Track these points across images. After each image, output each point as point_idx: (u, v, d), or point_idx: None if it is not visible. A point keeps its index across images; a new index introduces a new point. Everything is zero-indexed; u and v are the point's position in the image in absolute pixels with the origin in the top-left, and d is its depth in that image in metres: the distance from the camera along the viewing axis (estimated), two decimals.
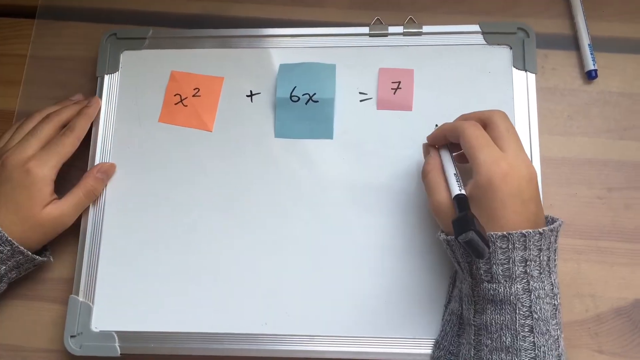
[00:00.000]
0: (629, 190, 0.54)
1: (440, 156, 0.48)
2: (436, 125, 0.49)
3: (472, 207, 0.42)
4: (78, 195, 0.52)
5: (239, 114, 0.57)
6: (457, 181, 0.45)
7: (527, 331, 0.40)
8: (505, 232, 0.41)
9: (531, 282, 0.41)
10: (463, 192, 0.43)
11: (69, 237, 0.55)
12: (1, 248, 0.48)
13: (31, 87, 0.61)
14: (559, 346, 0.41)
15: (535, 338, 0.40)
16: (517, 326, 0.40)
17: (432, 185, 0.46)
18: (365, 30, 0.58)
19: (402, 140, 0.55)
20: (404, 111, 0.56)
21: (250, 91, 0.57)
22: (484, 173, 0.42)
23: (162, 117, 0.57)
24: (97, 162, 0.56)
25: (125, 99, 0.58)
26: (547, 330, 0.40)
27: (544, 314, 0.41)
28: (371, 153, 0.55)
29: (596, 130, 0.56)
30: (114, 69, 0.59)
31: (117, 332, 0.51)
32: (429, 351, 0.49)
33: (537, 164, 0.53)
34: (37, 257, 0.51)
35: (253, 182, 0.55)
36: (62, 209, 0.51)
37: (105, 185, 0.55)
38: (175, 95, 0.58)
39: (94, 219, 0.55)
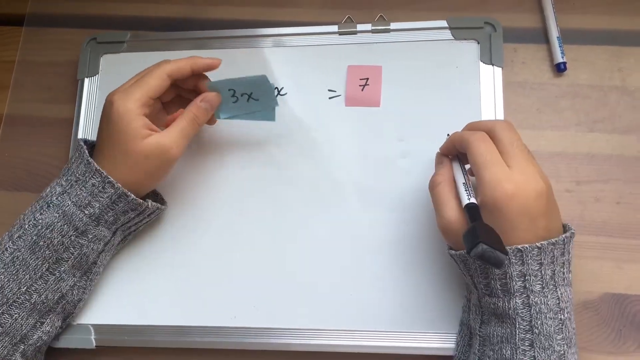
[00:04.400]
0: (598, 183, 0.54)
1: (452, 167, 0.46)
2: (448, 135, 0.48)
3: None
4: (181, 124, 0.49)
5: None
6: (465, 190, 0.43)
7: (528, 345, 0.40)
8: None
9: (531, 296, 0.40)
10: (474, 201, 0.42)
11: None
12: (93, 181, 0.47)
13: (19, 91, 0.64)
14: None
15: (536, 353, 0.39)
16: (516, 340, 0.40)
17: (441, 199, 0.44)
18: (335, 28, 0.59)
19: (370, 136, 0.56)
20: (372, 107, 0.56)
21: None
22: (489, 194, 0.40)
23: None
24: None
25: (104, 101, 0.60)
26: (550, 345, 0.39)
27: (546, 329, 0.40)
28: (339, 149, 0.56)
29: (565, 123, 0.56)
30: (94, 72, 0.61)
31: (93, 325, 0.53)
32: (405, 344, 0.50)
33: None
34: (130, 194, 0.47)
35: (225, 179, 0.56)
36: (164, 137, 0.48)
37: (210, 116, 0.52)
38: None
39: None
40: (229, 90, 0.51)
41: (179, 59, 0.50)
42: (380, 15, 0.60)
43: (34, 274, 0.46)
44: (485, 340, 0.43)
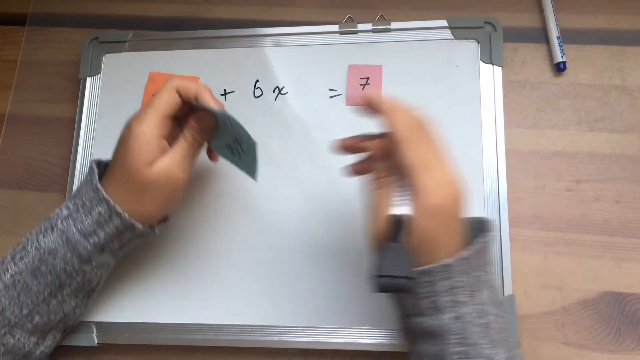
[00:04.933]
0: (598, 182, 0.54)
1: (387, 165, 0.42)
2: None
3: (410, 235, 0.39)
4: (182, 146, 0.46)
5: None
6: (399, 197, 0.40)
7: (463, 357, 0.38)
8: (426, 267, 0.38)
9: (461, 308, 0.38)
10: (403, 211, 0.39)
11: None
12: (100, 209, 0.44)
13: (21, 90, 0.64)
14: None
15: None
16: (446, 355, 0.38)
17: (378, 204, 0.41)
18: (335, 28, 0.59)
19: None
20: None
21: (225, 90, 0.59)
22: (424, 200, 0.38)
23: None
24: (78, 160, 0.58)
25: (106, 100, 0.60)
26: (478, 353, 0.38)
27: (475, 338, 0.38)
28: None
29: (565, 122, 0.56)
30: (96, 71, 0.61)
31: (95, 322, 0.54)
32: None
33: (502, 157, 0.53)
34: (138, 224, 0.45)
35: (224, 178, 0.56)
36: (169, 159, 0.45)
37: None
38: (153, 95, 0.59)
39: None
40: (227, 124, 0.47)
41: (189, 82, 0.47)
42: (381, 15, 0.60)
43: (36, 298, 0.45)
44: (416, 358, 0.42)
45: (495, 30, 0.56)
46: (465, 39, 0.57)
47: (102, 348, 0.53)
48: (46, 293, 0.46)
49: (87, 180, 0.47)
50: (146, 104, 0.47)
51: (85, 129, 0.59)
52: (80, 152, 0.59)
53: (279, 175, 0.56)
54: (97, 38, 0.62)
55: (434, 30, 0.58)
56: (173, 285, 0.54)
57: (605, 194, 0.54)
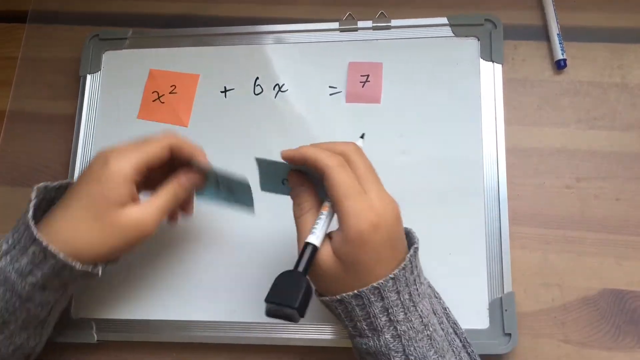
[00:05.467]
0: (598, 180, 0.54)
1: (313, 190, 0.43)
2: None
3: (341, 261, 0.39)
4: (161, 200, 0.44)
5: (214, 109, 0.59)
6: (320, 223, 0.41)
7: None
8: (356, 291, 0.39)
9: (398, 327, 0.39)
10: (315, 240, 0.40)
11: None
12: (34, 249, 0.41)
13: (21, 87, 0.64)
14: None
15: None
16: None
17: (305, 230, 0.41)
18: (336, 25, 0.59)
19: (370, 132, 0.55)
20: (373, 104, 0.57)
21: (225, 87, 0.59)
22: (354, 227, 0.38)
23: (141, 114, 0.60)
24: (78, 157, 0.58)
25: (106, 97, 0.60)
26: None
27: (420, 352, 0.39)
28: None
29: (566, 120, 0.56)
30: (96, 68, 0.61)
31: (94, 319, 0.54)
32: None
33: (502, 154, 0.53)
34: (74, 264, 0.41)
35: None
36: (142, 212, 0.43)
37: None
38: (153, 93, 0.60)
39: None
40: (214, 177, 0.47)
41: (186, 141, 0.46)
42: (381, 12, 0.60)
43: None
44: None
45: (496, 27, 0.56)
46: (466, 36, 0.57)
47: (101, 344, 0.53)
48: None
49: (24, 212, 0.43)
50: (136, 143, 0.44)
51: (85, 126, 0.59)
52: (80, 149, 0.59)
53: None
54: (97, 35, 0.62)
55: (434, 28, 0.58)
56: (172, 282, 0.54)
57: (605, 191, 0.53)
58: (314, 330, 0.51)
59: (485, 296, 0.50)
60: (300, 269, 0.39)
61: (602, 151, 0.55)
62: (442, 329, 0.41)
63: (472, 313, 0.50)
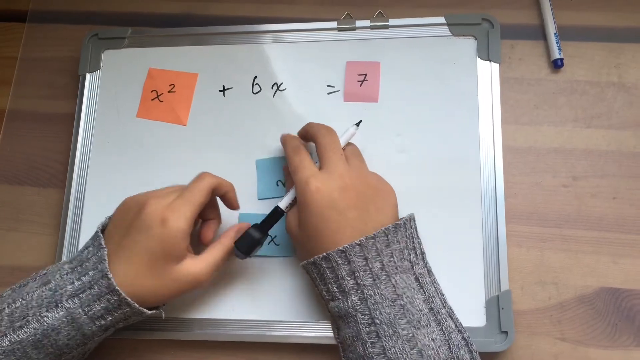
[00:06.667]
0: (595, 178, 0.54)
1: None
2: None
3: (303, 229, 0.46)
4: (216, 255, 0.48)
5: (212, 108, 0.59)
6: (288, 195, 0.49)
7: (375, 337, 0.41)
8: (325, 253, 0.43)
9: (365, 290, 0.42)
10: (281, 204, 0.50)
11: (50, 225, 0.58)
12: (109, 297, 0.44)
13: (21, 87, 0.64)
14: (416, 344, 0.40)
15: (383, 342, 0.41)
16: (363, 335, 0.42)
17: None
18: (334, 25, 0.59)
19: (368, 131, 0.56)
20: (370, 102, 0.57)
21: (223, 86, 0.59)
22: (300, 193, 0.46)
23: (140, 113, 0.60)
24: (77, 155, 0.59)
25: (105, 96, 0.61)
26: (395, 331, 0.41)
27: (386, 318, 0.41)
28: None
29: (562, 119, 0.56)
30: (95, 67, 0.61)
31: None
32: None
33: (499, 153, 0.53)
34: (146, 310, 0.46)
35: (224, 173, 0.56)
36: (200, 268, 0.46)
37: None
38: (152, 92, 0.60)
39: (74, 210, 0.57)
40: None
41: (221, 179, 0.50)
42: (379, 12, 0.60)
43: None
44: (344, 345, 0.44)
45: (493, 27, 0.57)
46: (463, 35, 0.57)
47: (103, 342, 0.53)
48: None
49: (95, 261, 0.45)
50: (184, 195, 0.46)
51: (85, 124, 0.60)
52: (79, 148, 0.59)
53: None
54: (96, 35, 0.62)
55: (431, 27, 0.58)
56: None
57: (602, 190, 0.54)
58: (311, 328, 0.51)
59: (482, 294, 0.50)
60: (263, 227, 0.49)
61: (599, 150, 0.55)
62: (431, 308, 0.43)
63: (468, 311, 0.50)
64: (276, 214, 0.49)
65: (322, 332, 0.51)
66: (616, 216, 0.53)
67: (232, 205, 0.51)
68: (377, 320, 0.41)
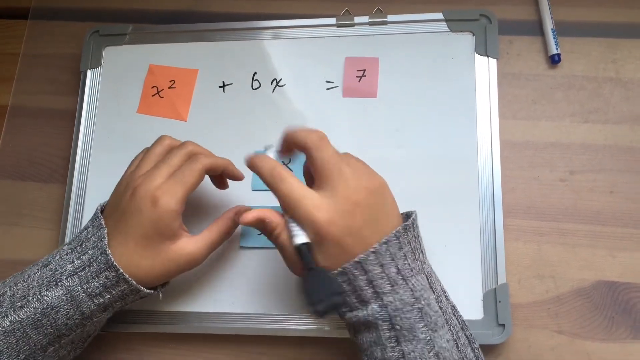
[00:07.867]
0: (592, 172, 0.54)
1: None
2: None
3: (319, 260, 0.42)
4: (212, 236, 0.48)
5: (212, 104, 0.59)
6: (294, 228, 0.43)
7: (394, 342, 0.41)
8: (341, 268, 0.41)
9: (384, 298, 0.41)
10: (302, 240, 0.42)
11: (52, 220, 0.59)
12: (107, 273, 0.45)
13: (23, 83, 0.65)
14: (433, 346, 0.40)
15: (403, 346, 0.40)
16: (383, 340, 0.41)
17: (284, 247, 0.44)
18: (333, 21, 0.60)
19: (367, 126, 0.56)
20: (369, 98, 0.57)
21: (223, 82, 0.60)
22: (310, 230, 0.42)
23: (141, 109, 0.60)
24: (79, 151, 0.59)
25: (106, 92, 0.61)
26: (415, 336, 0.40)
27: (406, 323, 0.41)
28: (336, 139, 0.56)
29: (560, 114, 0.56)
30: (96, 64, 0.62)
31: None
32: None
33: (496, 148, 0.54)
34: (143, 289, 0.46)
35: None
36: (196, 246, 0.47)
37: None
38: (152, 88, 0.61)
39: (75, 205, 0.58)
40: None
41: (215, 157, 0.50)
42: (378, 8, 0.61)
43: (34, 346, 0.45)
44: (360, 348, 0.43)
45: (491, 22, 0.57)
46: (461, 31, 0.58)
47: (100, 336, 0.54)
48: (45, 342, 0.46)
49: (95, 240, 0.46)
50: (177, 177, 0.46)
51: (86, 120, 0.60)
52: (81, 144, 0.59)
53: None
54: (97, 31, 0.63)
55: (429, 23, 0.58)
56: None
57: (599, 184, 0.54)
58: (310, 321, 0.52)
59: (480, 287, 0.51)
60: (313, 265, 0.42)
61: (596, 144, 0.55)
62: (440, 307, 0.42)
63: (466, 304, 0.50)
64: (306, 250, 0.42)
65: (320, 324, 0.52)
66: (613, 210, 0.53)
67: (235, 176, 0.51)
68: (398, 326, 0.41)
